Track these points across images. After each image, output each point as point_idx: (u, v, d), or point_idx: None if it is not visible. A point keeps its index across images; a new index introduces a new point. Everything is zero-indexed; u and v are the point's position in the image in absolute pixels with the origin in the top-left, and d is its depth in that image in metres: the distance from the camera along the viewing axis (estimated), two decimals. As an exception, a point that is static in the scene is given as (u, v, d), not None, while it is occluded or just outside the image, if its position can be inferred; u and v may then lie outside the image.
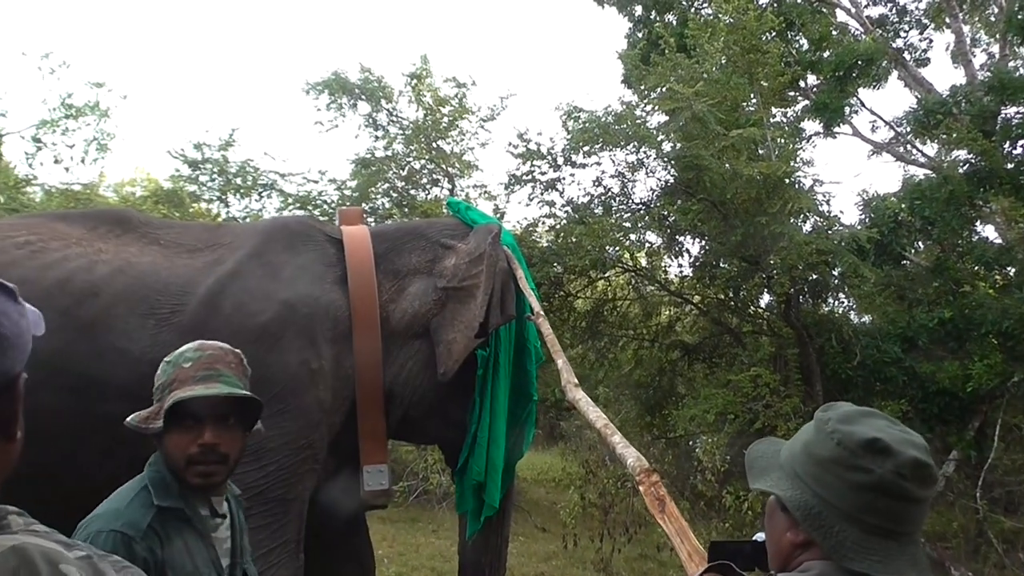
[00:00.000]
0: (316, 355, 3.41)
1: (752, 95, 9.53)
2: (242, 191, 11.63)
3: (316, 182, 11.15)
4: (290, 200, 11.15)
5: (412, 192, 11.19)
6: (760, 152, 9.35)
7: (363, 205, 10.78)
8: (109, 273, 3.31)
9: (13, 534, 0.99)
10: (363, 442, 3.56)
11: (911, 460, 1.28)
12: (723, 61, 9.24)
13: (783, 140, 9.70)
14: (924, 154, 13.05)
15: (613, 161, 9.44)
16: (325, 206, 10.98)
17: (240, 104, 41.79)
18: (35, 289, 3.16)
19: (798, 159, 9.78)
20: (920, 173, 12.38)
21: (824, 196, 9.43)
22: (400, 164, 11.06)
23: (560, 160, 9.40)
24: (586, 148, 9.17)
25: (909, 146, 13.75)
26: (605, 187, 9.57)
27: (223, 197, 11.77)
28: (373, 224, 4.17)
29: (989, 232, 11.53)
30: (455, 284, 3.61)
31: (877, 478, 1.28)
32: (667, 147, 9.22)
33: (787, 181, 8.90)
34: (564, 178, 9.55)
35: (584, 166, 9.45)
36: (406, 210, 10.81)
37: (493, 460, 3.61)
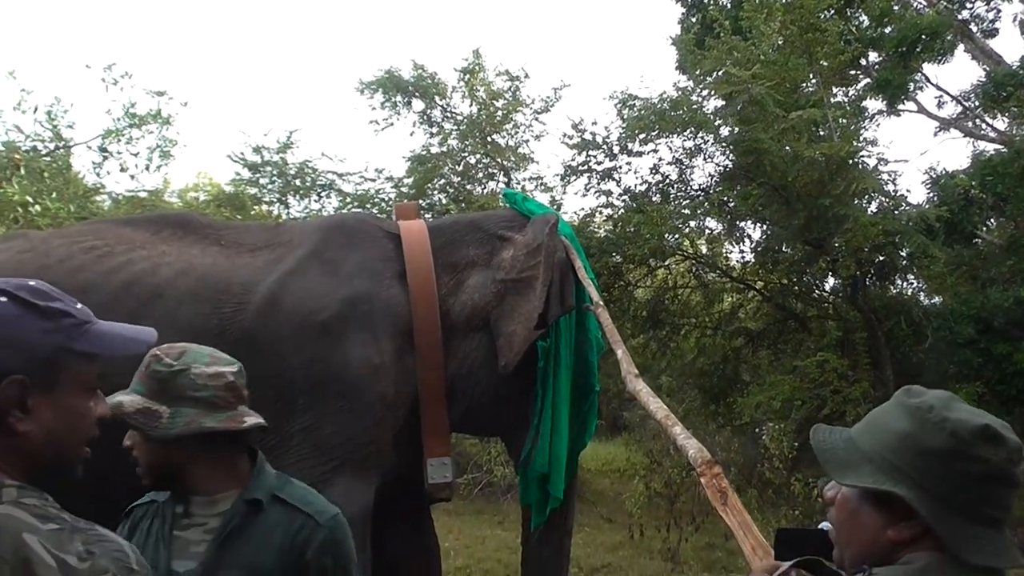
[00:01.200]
0: (378, 351, 3.44)
1: (811, 75, 9.33)
2: (301, 192, 11.83)
3: (374, 180, 11.29)
4: (348, 199, 11.30)
5: (468, 187, 11.24)
6: (821, 133, 9.15)
7: (420, 201, 10.86)
8: (173, 275, 3.38)
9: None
10: (426, 436, 3.58)
11: (1018, 446, 1.26)
12: (780, 42, 9.05)
13: (845, 120, 9.47)
14: (994, 128, 12.62)
15: (670, 148, 9.33)
16: (383, 204, 11.09)
17: (297, 106, 42.49)
18: (101, 293, 3.25)
19: (861, 139, 9.53)
20: (990, 148, 11.97)
21: (890, 175, 9.19)
22: (455, 159, 11.12)
23: (616, 149, 9.32)
24: (642, 136, 9.07)
25: (978, 121, 13.32)
26: (663, 174, 9.46)
27: (283, 199, 11.99)
28: (430, 219, 4.17)
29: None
30: (513, 276, 3.60)
31: (994, 467, 1.24)
32: (725, 132, 9.08)
33: (850, 161, 8.70)
34: (620, 167, 9.47)
35: (640, 154, 9.35)
36: (463, 205, 10.85)
37: (556, 452, 3.59)
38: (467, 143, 10.97)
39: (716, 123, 9.07)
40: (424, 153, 11.04)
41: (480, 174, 11.21)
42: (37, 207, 9.15)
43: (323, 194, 11.85)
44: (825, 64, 9.33)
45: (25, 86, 10.13)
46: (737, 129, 8.74)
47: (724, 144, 9.09)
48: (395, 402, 3.48)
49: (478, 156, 11.04)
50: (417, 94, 11.00)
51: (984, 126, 13.23)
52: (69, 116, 10.73)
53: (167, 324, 3.25)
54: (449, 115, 11.17)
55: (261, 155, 11.59)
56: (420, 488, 3.67)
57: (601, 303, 3.56)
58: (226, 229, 3.75)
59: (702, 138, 9.16)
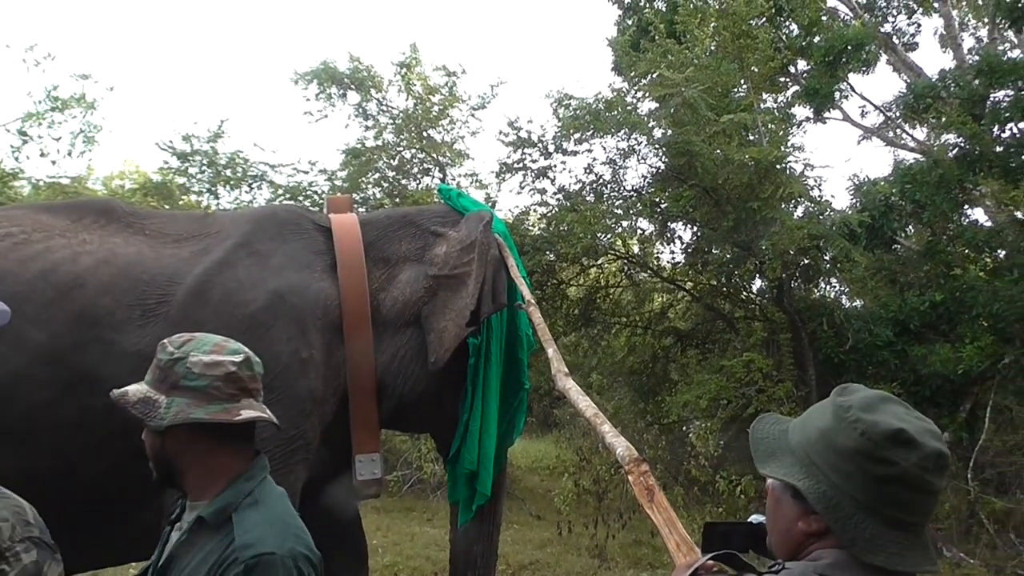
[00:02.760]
0: (306, 344, 3.40)
1: (742, 80, 9.52)
2: (232, 183, 11.59)
3: (306, 172, 11.13)
4: (280, 191, 11.11)
5: (403, 182, 11.16)
6: (751, 138, 9.35)
7: (354, 195, 10.74)
8: (94, 264, 3.28)
9: None
10: (355, 431, 3.55)
11: (934, 452, 1.26)
12: (713, 47, 9.22)
13: (773, 125, 9.69)
14: (914, 138, 13.08)
15: (604, 148, 9.45)
16: (316, 197, 10.94)
17: (229, 95, 41.59)
18: (17, 282, 3.14)
19: (789, 144, 9.76)
20: (910, 157, 12.38)
21: (815, 181, 9.45)
22: (391, 154, 11.02)
23: (551, 148, 9.38)
24: (577, 135, 9.16)
25: (899, 131, 13.77)
26: (596, 174, 9.57)
27: (213, 189, 11.73)
28: (363, 213, 4.13)
29: (979, 215, 11.57)
30: (446, 272, 3.59)
31: (901, 471, 1.25)
32: (658, 133, 9.21)
33: (778, 166, 8.91)
34: (555, 166, 9.55)
35: (575, 153, 9.44)
36: (397, 200, 10.77)
37: (485, 449, 3.60)
38: (402, 137, 10.89)
39: (650, 125, 9.20)
40: (359, 146, 10.92)
41: (415, 169, 11.14)
42: (-50, 191, 8.80)
43: (254, 185, 11.64)
44: (755, 70, 9.53)
45: (-62, 65, 9.67)
46: (670, 131, 8.87)
47: (657, 146, 9.22)
48: (324, 397, 3.45)
49: (413, 151, 10.96)
50: (353, 87, 10.87)
51: (904, 136, 13.70)
52: (-14, 98, 10.33)
53: (88, 314, 3.16)
54: (385, 109, 11.07)
55: (191, 143, 11.32)
56: (348, 484, 3.64)
57: (533, 301, 3.58)
58: (151, 218, 3.65)
59: (636, 139, 9.29)
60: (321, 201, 10.67)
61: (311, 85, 10.83)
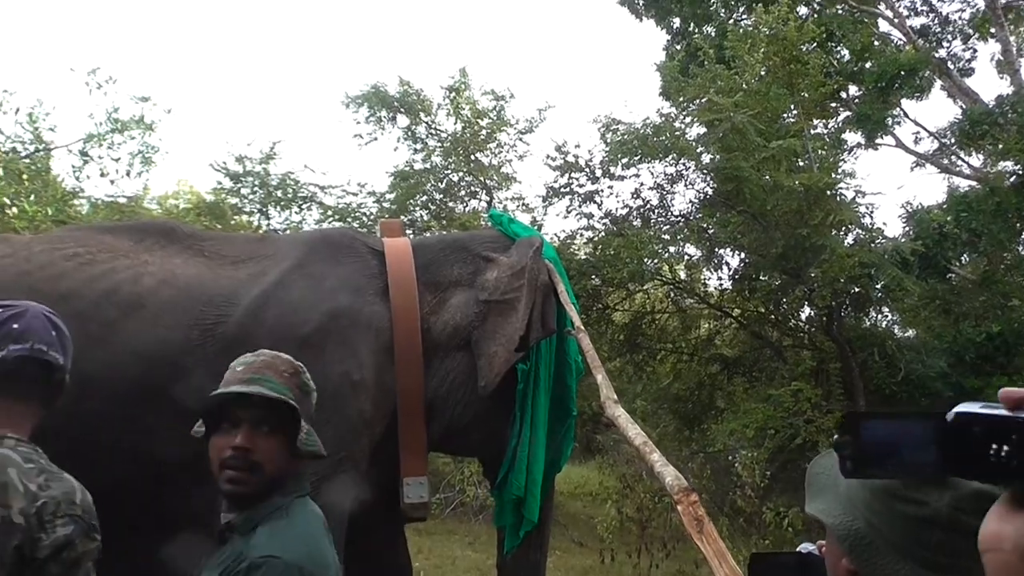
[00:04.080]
0: (358, 366, 3.42)
1: (792, 106, 9.45)
2: (282, 203, 11.79)
3: (355, 194, 11.28)
4: (330, 212, 11.27)
5: (450, 204, 11.25)
6: (800, 164, 9.27)
7: (401, 217, 10.84)
8: (155, 284, 3.35)
9: None
10: (404, 454, 3.56)
11: (972, 493, 1.16)
12: (763, 72, 9.17)
13: (824, 151, 9.59)
14: (969, 165, 12.83)
15: (652, 173, 9.41)
16: (365, 218, 11.08)
17: (281, 117, 42.37)
18: (82, 301, 3.21)
19: (839, 171, 9.65)
20: (965, 184, 12.18)
21: (867, 208, 9.31)
22: (438, 176, 11.12)
23: (598, 172, 9.38)
24: (624, 160, 9.15)
25: (953, 157, 13.54)
26: (643, 199, 9.54)
27: (264, 209, 11.94)
28: (412, 236, 4.17)
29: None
30: (496, 297, 3.60)
31: (932, 511, 1.16)
32: (706, 159, 9.17)
33: (829, 193, 8.81)
34: (602, 190, 9.54)
35: (622, 178, 9.43)
36: (444, 222, 10.86)
37: (533, 475, 3.58)
38: (450, 160, 10.99)
39: (698, 150, 9.17)
40: (407, 169, 11.06)
41: (462, 192, 11.23)
42: (14, 209, 9.05)
43: (304, 206, 11.83)
44: (806, 96, 9.46)
45: (7, 87, 10.01)
46: (718, 157, 8.83)
47: (705, 171, 9.18)
48: (373, 418, 3.47)
49: (461, 174, 11.06)
50: (402, 110, 11.02)
51: (959, 162, 13.46)
52: (51, 119, 10.66)
53: (147, 334, 3.22)
54: (433, 132, 11.19)
55: (243, 165, 11.55)
56: (395, 506, 3.65)
57: (582, 328, 3.57)
58: (209, 240, 3.72)
59: (683, 164, 9.25)
60: (370, 222, 10.80)
61: (362, 108, 11.00)
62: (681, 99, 9.66)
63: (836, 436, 0.92)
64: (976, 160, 13.07)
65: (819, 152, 9.65)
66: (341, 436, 3.34)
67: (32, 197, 9.34)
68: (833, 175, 9.17)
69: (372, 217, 11.08)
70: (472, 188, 11.30)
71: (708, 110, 8.79)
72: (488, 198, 11.28)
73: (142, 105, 10.75)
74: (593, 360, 3.25)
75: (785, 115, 9.45)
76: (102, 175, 10.66)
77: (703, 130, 9.42)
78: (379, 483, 3.60)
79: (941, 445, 0.83)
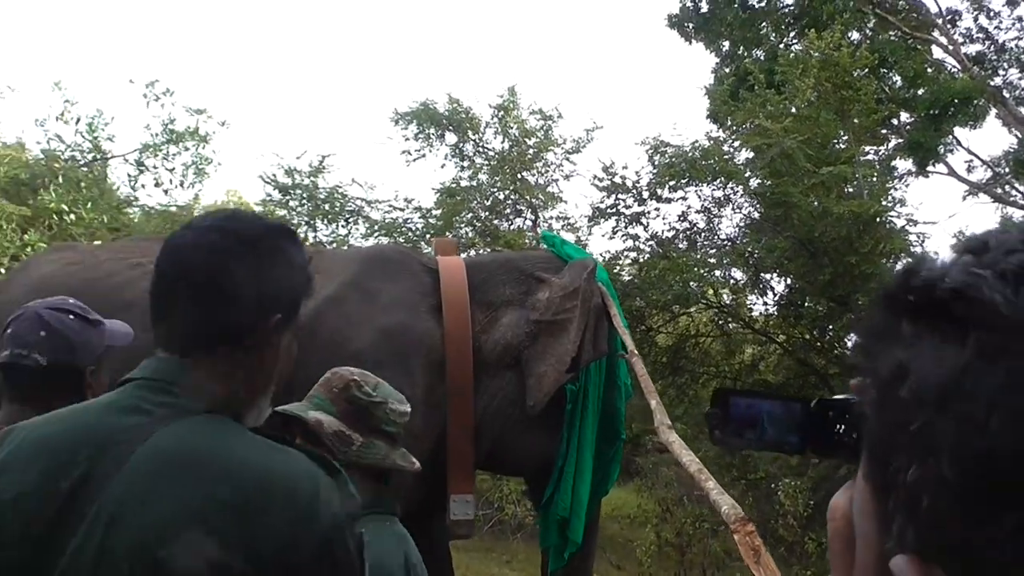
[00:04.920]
0: (409, 383, 3.46)
1: (842, 132, 9.37)
2: (330, 217, 11.91)
3: (402, 210, 11.36)
4: (376, 227, 11.36)
5: (495, 222, 11.29)
6: (850, 190, 9.17)
7: (447, 234, 10.92)
8: None
9: None
10: (451, 472, 3.58)
11: None
12: (813, 97, 9.10)
13: (874, 178, 9.49)
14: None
15: (699, 196, 9.37)
16: (411, 233, 11.16)
17: (330, 132, 42.96)
18: (144, 309, 3.29)
19: (890, 198, 9.54)
20: (1019, 214, 11.96)
21: (918, 237, 9.18)
22: (484, 194, 11.18)
23: (645, 194, 9.37)
24: (672, 183, 9.12)
25: (1008, 187, 13.31)
26: (690, 222, 9.49)
27: (311, 222, 12.07)
28: (468, 256, 4.21)
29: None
30: (548, 317, 3.62)
31: None
32: (754, 183, 9.12)
33: (879, 220, 8.72)
34: (649, 212, 9.51)
35: (669, 200, 9.40)
36: (489, 240, 10.90)
37: (579, 496, 3.59)
38: (497, 179, 11.04)
39: (746, 174, 9.12)
40: (454, 186, 11.12)
41: (507, 210, 11.26)
42: (72, 216, 9.28)
43: (351, 220, 11.95)
44: (857, 122, 9.37)
45: (69, 97, 10.27)
46: (767, 181, 8.78)
47: (753, 195, 9.12)
48: (423, 435, 3.49)
49: (507, 192, 11.10)
50: (451, 127, 11.11)
51: (1014, 192, 13.23)
52: (109, 129, 10.91)
53: None
54: (481, 150, 11.26)
55: (293, 177, 11.71)
56: (440, 523, 3.67)
57: (636, 352, 3.57)
58: None
59: (731, 188, 9.20)
60: (415, 238, 10.89)
61: (411, 125, 11.11)
62: (730, 123, 9.63)
63: (708, 407, 0.95)
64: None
65: (869, 179, 9.54)
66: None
67: (89, 205, 9.58)
68: (883, 202, 9.07)
69: (418, 232, 11.17)
70: (517, 207, 11.33)
71: (758, 134, 8.75)
72: (533, 217, 11.30)
73: (197, 117, 11.00)
74: (647, 385, 3.25)
75: (835, 141, 9.36)
76: (156, 185, 10.92)
77: (751, 154, 9.37)
78: (425, 500, 3.62)
79: (802, 426, 0.88)
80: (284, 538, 1.14)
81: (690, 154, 9.09)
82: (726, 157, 9.15)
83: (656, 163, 9.27)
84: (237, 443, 1.22)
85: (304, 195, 11.88)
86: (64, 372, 1.85)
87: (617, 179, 9.46)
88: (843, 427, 0.81)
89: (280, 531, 1.14)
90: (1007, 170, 12.47)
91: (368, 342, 3.44)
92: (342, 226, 12.01)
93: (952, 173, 13.33)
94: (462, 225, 11.37)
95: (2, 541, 1.14)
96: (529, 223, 11.20)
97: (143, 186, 11.15)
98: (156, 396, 1.26)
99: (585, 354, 3.53)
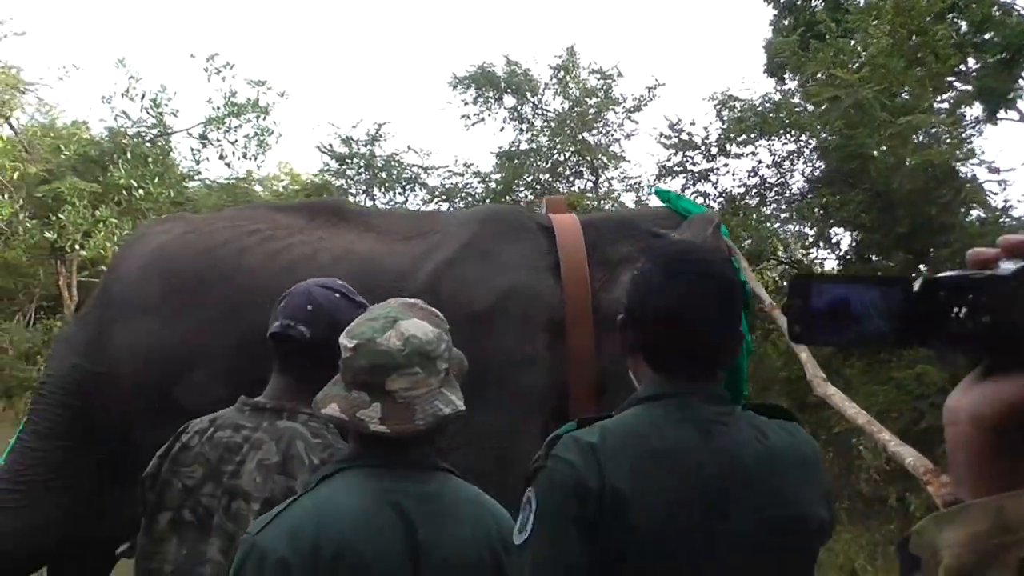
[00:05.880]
0: (531, 343, 3.42)
1: (916, 80, 9.09)
2: (387, 185, 11.93)
3: (461, 175, 11.31)
4: (435, 193, 11.35)
5: (556, 184, 11.19)
6: (922, 140, 8.92)
7: (507, 198, 10.87)
8: (331, 260, 3.40)
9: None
10: (575, 432, 3.54)
11: None
12: (887, 45, 8.83)
13: (948, 127, 9.22)
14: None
15: (770, 151, 9.18)
16: (470, 198, 11.13)
17: (387, 99, 42.57)
18: (264, 275, 3.30)
19: (967, 147, 9.26)
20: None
21: (1000, 185, 8.92)
22: (544, 157, 11.08)
23: (714, 150, 9.20)
24: (742, 137, 8.95)
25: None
26: (761, 177, 9.32)
27: (369, 190, 12.10)
28: (581, 215, 4.14)
29: None
30: None
31: None
32: (826, 136, 8.90)
33: (955, 170, 8.49)
34: (718, 168, 9.36)
35: (739, 156, 9.23)
36: (549, 203, 10.79)
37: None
38: (557, 140, 10.93)
39: (817, 127, 8.90)
40: (513, 149, 11.04)
41: (568, 172, 11.15)
42: (140, 191, 9.37)
43: (408, 187, 11.95)
44: (934, 68, 9.08)
45: (133, 74, 10.29)
46: (838, 135, 8.56)
47: (826, 149, 8.91)
48: (547, 395, 3.46)
49: (568, 154, 10.98)
50: (509, 90, 10.99)
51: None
52: (173, 104, 10.96)
53: None
54: (540, 112, 11.14)
55: (350, 147, 11.72)
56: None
57: (775, 305, 3.49)
58: (377, 216, 3.77)
59: (803, 141, 9.00)
60: (476, 203, 10.84)
61: (469, 89, 11.01)
62: (800, 74, 9.40)
63: (785, 300, 0.83)
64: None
65: (943, 128, 9.27)
66: (518, 410, 3.35)
67: (156, 180, 9.66)
68: (961, 151, 8.81)
69: (478, 197, 11.12)
70: (578, 168, 11.22)
71: (831, 85, 8.52)
72: (594, 178, 11.19)
73: (257, 89, 11.00)
74: None
75: (908, 89, 9.10)
76: (220, 158, 10.97)
77: (823, 107, 9.14)
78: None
79: (903, 312, 0.75)
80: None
81: (759, 107, 8.90)
82: (798, 109, 8.93)
83: (725, 118, 9.10)
84: None
85: (361, 164, 11.89)
86: (326, 347, 1.82)
87: (684, 136, 9.31)
88: (964, 310, 0.69)
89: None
90: (1080, 114, 12.01)
91: (490, 303, 3.39)
92: (399, 193, 12.03)
93: (1023, 119, 12.88)
94: (522, 188, 11.30)
95: None
96: (590, 184, 11.10)
97: (207, 159, 11.24)
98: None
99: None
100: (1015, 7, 12.53)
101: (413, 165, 11.85)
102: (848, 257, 9.92)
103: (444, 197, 11.07)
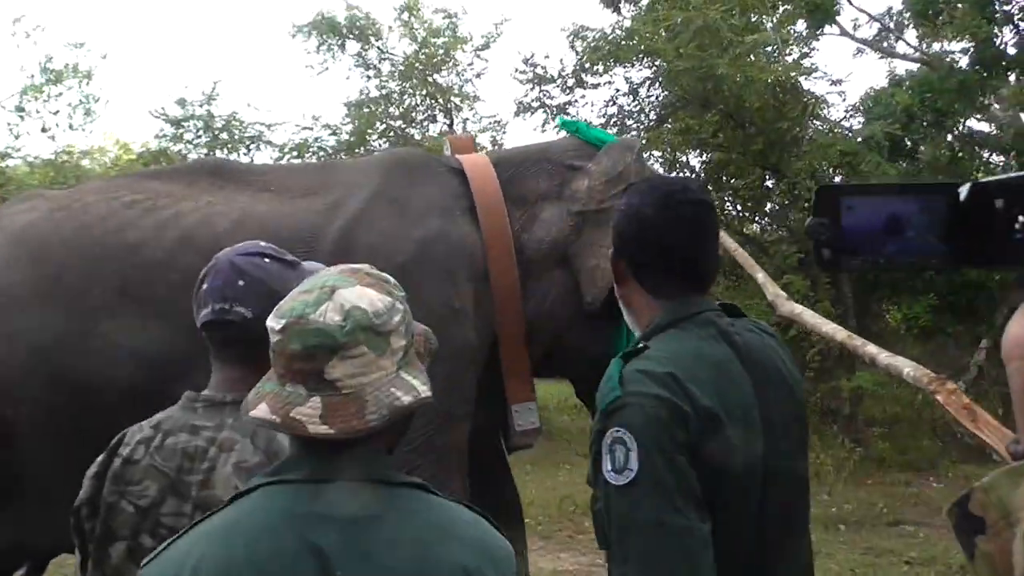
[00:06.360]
0: (457, 294, 3.22)
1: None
2: (229, 145, 11.27)
3: (310, 128, 10.79)
4: (285, 150, 10.79)
5: (410, 130, 10.86)
6: (767, 58, 9.18)
7: (360, 149, 10.48)
8: (231, 226, 3.07)
9: None
10: (508, 381, 3.38)
11: None
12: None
13: (791, 44, 9.53)
14: (917, 48, 12.89)
15: (626, 79, 9.20)
16: (322, 153, 10.65)
17: (221, 55, 39.50)
18: (158, 248, 2.97)
19: (807, 62, 9.62)
20: (905, 67, 12.27)
21: (840, 96, 9.32)
22: (396, 103, 10.71)
23: (571, 82, 9.13)
24: (598, 68, 8.91)
25: (892, 40, 13.57)
26: (619, 106, 9.34)
27: (211, 154, 11.38)
28: (492, 151, 3.92)
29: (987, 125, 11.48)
30: (592, 207, 3.39)
31: None
32: (677, 61, 8.98)
33: (801, 84, 8.80)
34: (575, 101, 9.31)
35: (596, 87, 9.20)
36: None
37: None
38: (407, 85, 10.57)
39: (669, 51, 8.97)
40: (363, 98, 10.60)
41: (422, 117, 10.83)
42: (-48, 174, 8.37)
43: (252, 146, 11.34)
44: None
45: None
46: (690, 58, 8.65)
47: (678, 72, 9.00)
48: (478, 346, 3.28)
49: (420, 97, 10.65)
50: (352, 36, 10.49)
51: (896, 44, 13.48)
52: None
53: None
54: (386, 56, 10.71)
55: (185, 109, 10.95)
56: (499, 437, 3.51)
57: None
58: (268, 172, 3.45)
59: (657, 67, 9.06)
60: (329, 156, 10.41)
61: (311, 37, 10.44)
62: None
63: (809, 219, 0.75)
64: (907, 44, 13.13)
65: (783, 44, 9.57)
66: (451, 367, 3.15)
67: (-31, 159, 8.66)
68: (803, 65, 9.13)
69: (330, 151, 10.67)
70: (431, 112, 10.91)
71: (679, 8, 8.58)
72: (448, 120, 10.93)
73: (76, 52, 9.98)
74: (745, 260, 3.10)
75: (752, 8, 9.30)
76: (43, 131, 9.93)
77: (674, 31, 9.21)
78: (485, 412, 3.43)
79: (950, 226, 0.67)
80: None
81: (612, 36, 8.87)
82: (648, 35, 8.95)
83: (579, 49, 9.02)
84: None
85: (199, 126, 11.15)
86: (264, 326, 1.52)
87: (540, 70, 9.19)
88: None
89: None
90: (896, 23, 12.72)
91: (410, 254, 3.15)
92: (244, 154, 11.38)
93: (844, 33, 13.49)
94: (375, 137, 10.91)
95: None
96: (446, 127, 10.83)
97: (28, 133, 10.14)
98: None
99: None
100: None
101: (255, 123, 11.21)
102: (701, 178, 10.16)
103: (295, 153, 10.52)
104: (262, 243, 1.79)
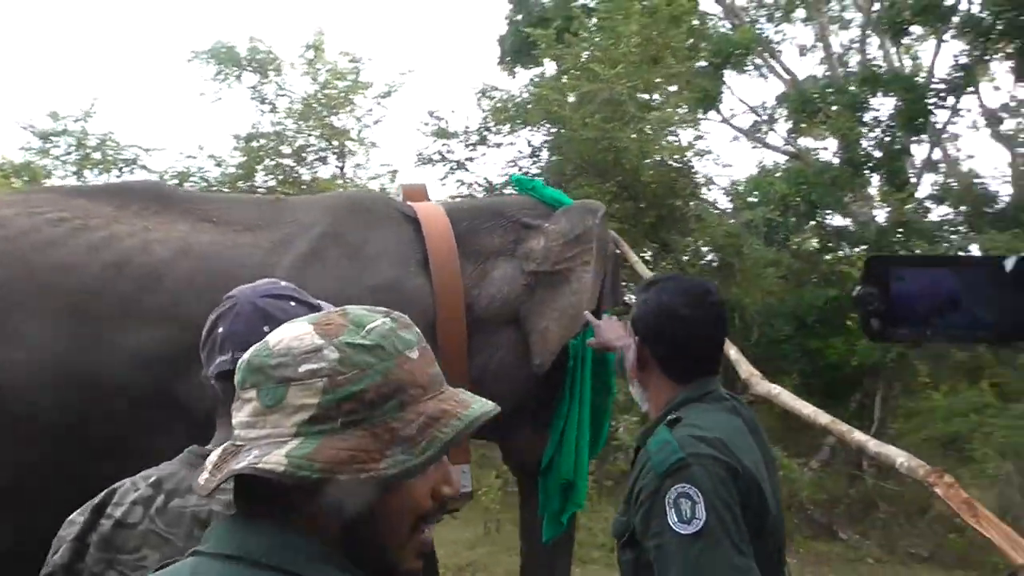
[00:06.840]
0: None
1: (661, 79, 9.63)
2: (101, 166, 10.63)
3: (194, 157, 10.30)
4: (163, 176, 10.24)
5: (300, 170, 10.55)
6: (666, 136, 9.49)
7: (246, 183, 10.11)
8: (170, 255, 2.82)
9: None
10: (447, 442, 3.23)
11: None
12: (637, 44, 9.24)
13: (689, 124, 9.90)
14: (789, 141, 13.72)
15: (528, 142, 9.29)
16: (204, 183, 10.18)
17: (109, 75, 37.14)
18: (86, 274, 2.69)
19: (699, 144, 10.02)
20: (773, 159, 13.09)
21: (730, 179, 9.74)
22: (288, 140, 10.39)
23: (474, 139, 9.14)
24: (503, 127, 8.97)
25: (764, 132, 14.42)
26: (520, 167, 9.40)
27: (79, 172, 10.70)
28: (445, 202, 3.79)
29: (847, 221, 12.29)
30: (547, 268, 3.32)
31: None
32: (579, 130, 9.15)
33: (692, 164, 9.15)
34: (477, 158, 9.32)
35: (499, 145, 9.25)
36: (293, 189, 10.18)
37: (581, 458, 3.36)
38: (301, 124, 10.29)
39: (574, 119, 9.13)
40: (254, 132, 10.24)
41: (313, 157, 10.55)
42: None
43: (126, 169, 10.71)
44: (672, 69, 9.65)
45: None
46: (594, 128, 8.83)
47: (581, 140, 9.16)
48: None
49: (313, 137, 10.38)
50: (250, 68, 10.16)
51: (768, 136, 14.34)
52: None
53: (171, 311, 2.72)
54: (284, 92, 10.42)
55: (57, 123, 10.28)
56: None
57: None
58: (211, 203, 3.18)
59: (561, 132, 9.19)
60: (213, 187, 9.97)
61: (209, 64, 10.04)
62: (561, 66, 9.59)
63: (857, 288, 0.73)
64: (778, 137, 14.01)
65: (679, 125, 9.93)
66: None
67: None
68: (695, 146, 9.50)
69: (214, 182, 10.22)
70: (323, 153, 10.64)
71: (587, 79, 8.77)
72: (340, 163, 10.69)
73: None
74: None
75: (656, 87, 9.62)
76: None
77: (580, 100, 9.39)
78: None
79: (996, 299, 0.64)
80: None
81: (519, 98, 8.96)
82: (555, 102, 9.08)
83: (484, 107, 9.07)
84: None
85: (71, 143, 10.47)
86: None
87: (444, 124, 9.16)
88: None
89: None
90: (768, 117, 13.64)
91: (359, 303, 2.98)
92: (117, 176, 10.73)
93: (725, 120, 14.22)
94: (262, 172, 10.53)
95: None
96: (337, 170, 10.59)
97: None
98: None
99: (607, 304, 3.30)
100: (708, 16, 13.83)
101: (132, 145, 10.62)
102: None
103: (177, 180, 10.00)
104: (283, 283, 1.60)
